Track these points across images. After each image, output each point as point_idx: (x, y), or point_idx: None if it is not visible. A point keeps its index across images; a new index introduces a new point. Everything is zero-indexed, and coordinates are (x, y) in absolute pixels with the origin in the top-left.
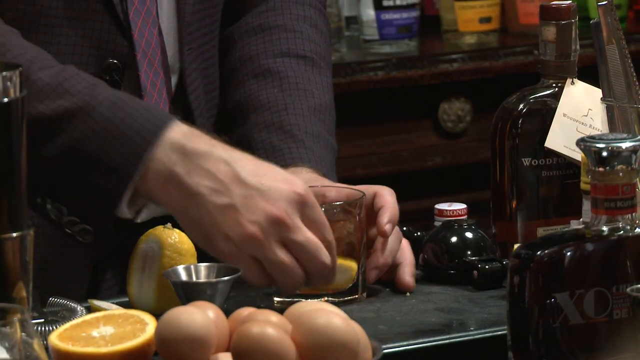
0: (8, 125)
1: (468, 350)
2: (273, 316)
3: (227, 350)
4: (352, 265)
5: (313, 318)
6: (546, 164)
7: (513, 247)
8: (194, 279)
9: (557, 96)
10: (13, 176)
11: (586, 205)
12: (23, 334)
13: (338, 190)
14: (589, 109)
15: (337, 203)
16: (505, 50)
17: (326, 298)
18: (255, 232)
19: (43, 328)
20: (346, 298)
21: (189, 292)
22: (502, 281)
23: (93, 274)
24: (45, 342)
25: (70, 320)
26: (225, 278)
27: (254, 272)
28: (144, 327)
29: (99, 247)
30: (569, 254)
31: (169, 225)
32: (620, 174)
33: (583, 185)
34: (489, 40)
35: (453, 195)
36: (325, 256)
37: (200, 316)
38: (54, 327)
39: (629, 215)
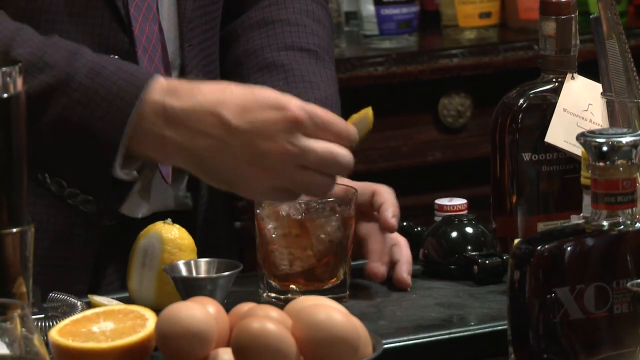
0: (8, 120)
1: (468, 345)
2: (273, 311)
3: (227, 345)
4: (367, 112)
5: (313, 313)
6: (546, 159)
7: (513, 242)
8: (194, 274)
9: (557, 91)
10: (13, 172)
11: (586, 200)
12: (23, 329)
13: (338, 186)
14: (589, 104)
15: (329, 200)
16: (505, 46)
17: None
18: (268, 175)
19: (43, 323)
20: (331, 296)
21: (189, 288)
22: (502, 276)
23: (94, 270)
24: (45, 337)
25: (71, 315)
26: (226, 273)
27: (285, 198)
28: (144, 323)
29: (103, 215)
30: (569, 248)
31: (169, 220)
32: (621, 168)
33: (583, 180)
34: (489, 36)
35: (453, 190)
36: (343, 158)
37: (201, 311)
38: (54, 323)
39: (629, 210)
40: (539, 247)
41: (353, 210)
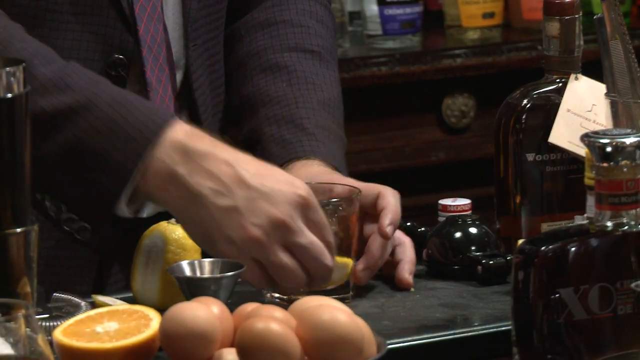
0: (12, 121)
1: (472, 346)
2: (277, 312)
3: (231, 345)
4: (348, 262)
5: (317, 314)
6: (550, 160)
7: (517, 242)
8: (198, 274)
9: (561, 91)
10: (17, 172)
11: (590, 200)
12: (27, 329)
13: (344, 186)
14: (593, 105)
15: (333, 200)
16: (508, 46)
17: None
18: (258, 235)
19: (47, 323)
20: (334, 296)
21: (193, 288)
22: (506, 277)
23: (98, 270)
24: (49, 337)
25: (75, 315)
26: (230, 273)
27: (255, 274)
28: (148, 323)
29: (96, 245)
30: (573, 249)
31: (172, 220)
32: (625, 169)
33: (587, 181)
34: (492, 36)
35: (457, 190)
36: (327, 259)
37: (205, 312)
38: (59, 323)
39: (633, 211)
40: (543, 248)
41: (356, 211)
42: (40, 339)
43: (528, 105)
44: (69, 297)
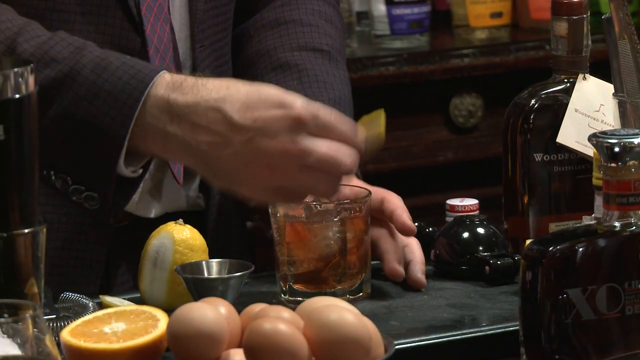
0: (20, 121)
1: (480, 346)
2: (285, 312)
3: (239, 346)
4: (378, 114)
5: (325, 314)
6: (558, 160)
7: (525, 242)
8: (206, 274)
9: (568, 91)
10: (24, 172)
11: (598, 200)
12: (35, 330)
13: (351, 188)
14: (601, 105)
15: (345, 202)
16: (516, 46)
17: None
18: (270, 174)
19: (55, 324)
20: (350, 297)
21: (200, 288)
22: (514, 277)
23: (105, 270)
24: (57, 338)
25: (82, 316)
26: (237, 274)
27: (287, 199)
28: (155, 323)
29: (107, 212)
30: (581, 249)
31: (180, 221)
32: (633, 169)
33: (595, 181)
34: (500, 36)
35: (464, 190)
36: (344, 160)
37: (212, 312)
38: (66, 323)
39: None
40: (550, 248)
41: (367, 212)
42: (48, 340)
43: (536, 105)
44: (77, 297)
